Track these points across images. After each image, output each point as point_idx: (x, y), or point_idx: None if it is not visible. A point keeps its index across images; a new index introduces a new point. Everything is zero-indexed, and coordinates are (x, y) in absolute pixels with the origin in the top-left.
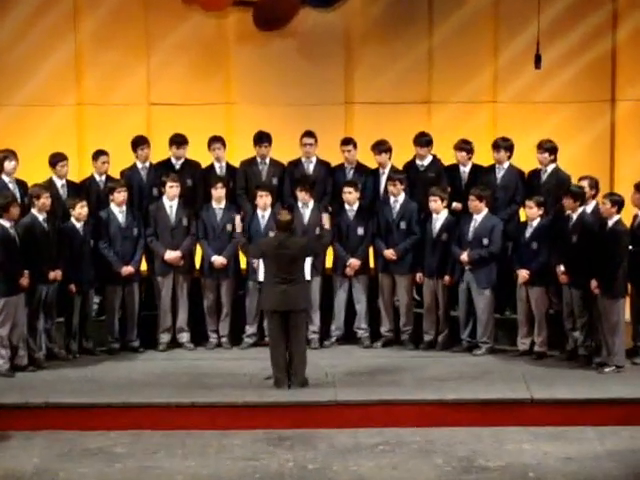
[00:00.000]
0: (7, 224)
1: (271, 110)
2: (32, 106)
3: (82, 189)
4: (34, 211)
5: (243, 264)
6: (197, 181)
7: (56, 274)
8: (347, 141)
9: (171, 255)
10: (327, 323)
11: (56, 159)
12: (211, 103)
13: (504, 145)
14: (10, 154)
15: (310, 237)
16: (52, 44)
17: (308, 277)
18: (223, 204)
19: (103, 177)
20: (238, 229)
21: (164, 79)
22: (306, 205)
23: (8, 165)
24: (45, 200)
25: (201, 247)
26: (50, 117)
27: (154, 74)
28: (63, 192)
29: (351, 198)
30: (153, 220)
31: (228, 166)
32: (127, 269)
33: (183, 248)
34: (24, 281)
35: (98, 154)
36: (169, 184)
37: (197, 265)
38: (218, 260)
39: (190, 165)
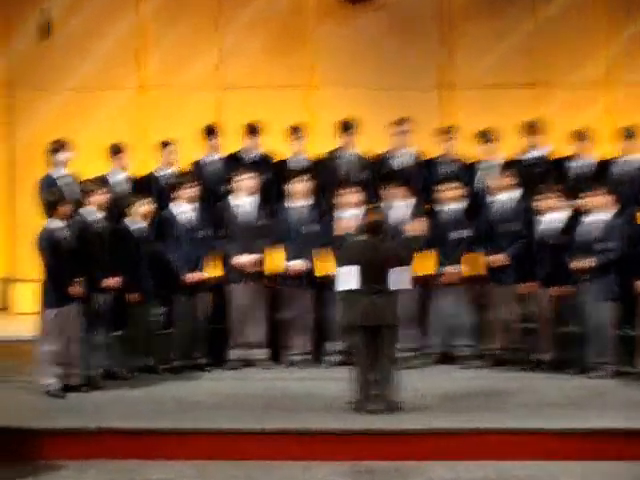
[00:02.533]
0: (56, 225)
1: (357, 95)
2: (87, 91)
3: (144, 184)
4: (87, 210)
5: (324, 271)
6: (273, 176)
7: (113, 281)
8: (445, 130)
9: (244, 259)
10: (421, 339)
11: (115, 150)
12: (289, 86)
13: (631, 134)
14: (62, 145)
15: (401, 241)
16: (111, 20)
17: (401, 286)
18: (303, 201)
19: (169, 171)
20: (338, 230)
21: (236, 60)
22: (396, 204)
23: (60, 157)
24: (100, 197)
25: (280, 250)
26: (108, 103)
27: (225, 54)
28: (122, 187)
29: (449, 196)
30: (224, 220)
31: (308, 159)
32: (194, 276)
33: (257, 252)
34: (76, 289)
35: (164, 144)
36: (241, 179)
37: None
38: (297, 266)
39: (265, 158)
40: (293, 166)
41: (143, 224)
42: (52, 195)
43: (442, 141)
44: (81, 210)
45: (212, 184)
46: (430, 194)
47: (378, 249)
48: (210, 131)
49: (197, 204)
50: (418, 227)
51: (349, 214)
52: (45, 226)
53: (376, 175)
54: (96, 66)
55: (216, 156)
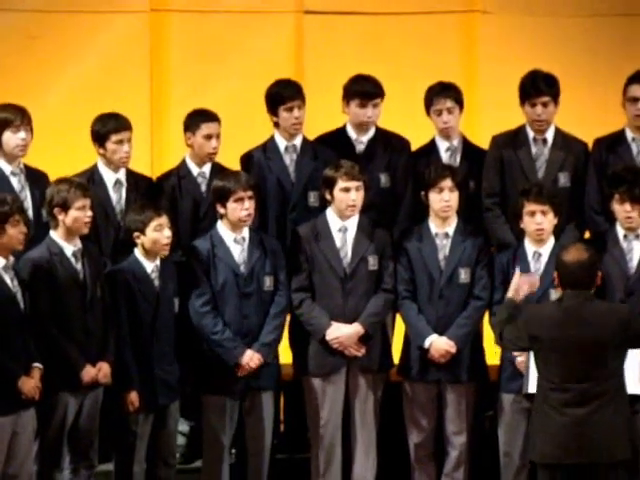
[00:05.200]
0: None
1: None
2: (75, 12)
3: (160, 191)
4: (55, 235)
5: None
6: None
7: (99, 370)
8: None
9: (344, 332)
10: None
11: (107, 128)
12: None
13: None
14: (15, 115)
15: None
16: None
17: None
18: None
19: (206, 168)
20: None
21: None
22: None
23: (10, 139)
24: (79, 213)
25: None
26: (102, 32)
27: None
28: (117, 196)
29: None
30: (305, 257)
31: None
32: (250, 359)
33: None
34: (29, 386)
35: (199, 117)
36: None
37: None
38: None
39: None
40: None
41: (156, 263)
42: None
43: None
44: (49, 237)
45: (287, 193)
46: None
47: (585, 318)
48: (287, 93)
49: (250, 231)
50: None
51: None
52: None
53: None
54: None
55: (297, 139)
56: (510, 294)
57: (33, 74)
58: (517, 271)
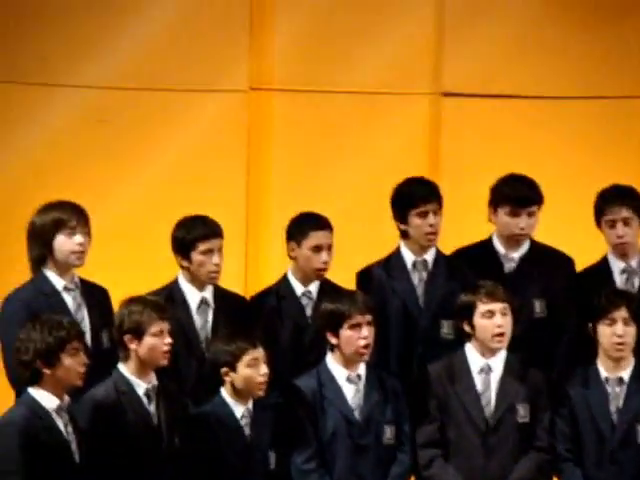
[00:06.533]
0: (49, 404)
1: None
2: (151, 90)
3: (255, 315)
4: (124, 369)
5: None
6: None
7: None
8: None
9: None
10: None
11: (193, 234)
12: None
13: None
14: (70, 215)
15: None
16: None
17: None
18: None
19: (313, 286)
20: None
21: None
22: None
23: (64, 244)
24: (156, 340)
25: None
26: (187, 115)
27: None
28: (202, 320)
29: None
30: (437, 404)
31: None
32: None
33: None
34: None
35: (306, 224)
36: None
37: None
38: None
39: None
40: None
41: (244, 407)
42: (45, 331)
43: None
44: (116, 371)
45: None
46: None
47: None
48: (414, 199)
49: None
50: None
51: None
52: (16, 408)
53: None
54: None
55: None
56: None
57: (99, 166)
58: None
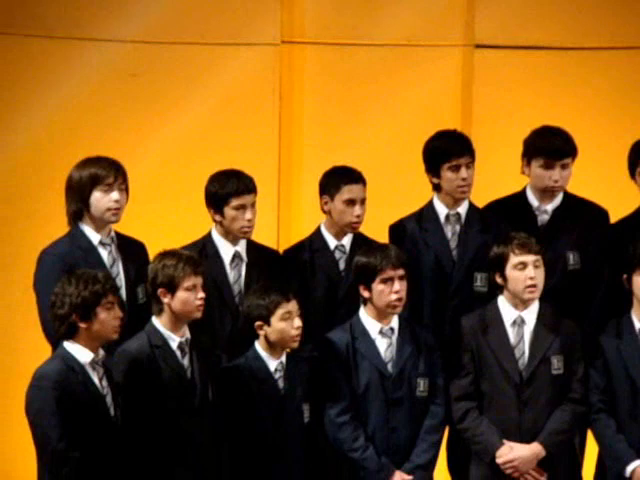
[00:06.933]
0: (83, 357)
1: None
2: (183, 44)
3: (288, 269)
4: (158, 322)
5: None
6: None
7: None
8: None
9: (520, 454)
10: None
11: (227, 189)
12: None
13: None
14: (107, 170)
15: None
16: None
17: None
18: None
19: (346, 240)
20: None
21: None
22: None
23: (100, 201)
24: (189, 294)
25: None
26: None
27: None
28: (236, 274)
29: None
30: (471, 357)
31: None
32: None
33: None
34: None
35: (339, 178)
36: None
37: None
38: None
39: None
40: None
41: (277, 361)
42: (81, 284)
43: None
44: (150, 324)
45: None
46: None
47: None
48: (447, 152)
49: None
50: None
51: None
52: (51, 361)
53: None
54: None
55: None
56: None
57: (133, 120)
58: None
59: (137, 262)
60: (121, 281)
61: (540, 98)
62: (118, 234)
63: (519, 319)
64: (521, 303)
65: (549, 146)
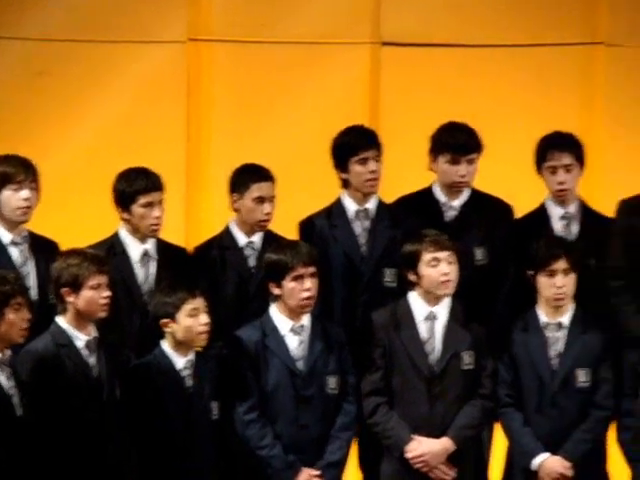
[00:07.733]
0: None
1: None
2: (91, 42)
3: (197, 266)
4: (63, 322)
5: None
6: None
7: None
8: None
9: (430, 448)
10: None
11: (134, 187)
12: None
13: None
14: (17, 169)
15: None
16: None
17: None
18: None
19: (256, 237)
20: None
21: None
22: None
23: (10, 199)
24: (93, 293)
25: None
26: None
27: None
28: (144, 272)
29: None
30: (382, 352)
31: None
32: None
33: None
34: None
35: (248, 176)
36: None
37: None
38: None
39: None
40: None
41: (189, 358)
42: None
43: None
44: (54, 324)
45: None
46: None
47: None
48: (354, 146)
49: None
50: None
51: None
52: None
53: None
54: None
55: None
56: None
57: (40, 118)
58: None
59: (49, 262)
60: (32, 281)
61: (446, 94)
62: (31, 233)
63: (431, 314)
64: (433, 299)
65: (455, 142)
